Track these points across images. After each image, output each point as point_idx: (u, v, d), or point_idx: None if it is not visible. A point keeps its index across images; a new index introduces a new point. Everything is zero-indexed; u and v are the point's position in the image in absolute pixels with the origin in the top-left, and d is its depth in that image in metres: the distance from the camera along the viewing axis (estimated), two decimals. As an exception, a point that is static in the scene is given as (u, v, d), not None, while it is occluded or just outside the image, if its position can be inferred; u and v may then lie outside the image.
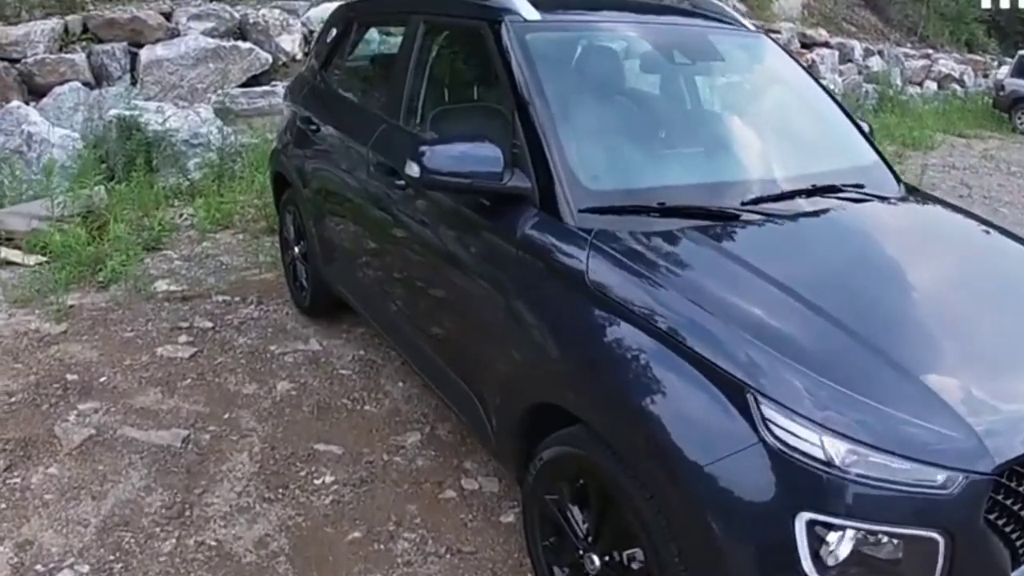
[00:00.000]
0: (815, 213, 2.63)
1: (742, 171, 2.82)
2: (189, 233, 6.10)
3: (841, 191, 2.74)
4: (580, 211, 2.42)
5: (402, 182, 2.96)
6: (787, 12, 16.83)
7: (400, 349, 3.56)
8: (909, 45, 19.49)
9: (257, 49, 8.39)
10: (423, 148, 2.50)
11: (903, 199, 2.98)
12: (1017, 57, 17.41)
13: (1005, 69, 18.49)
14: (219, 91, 8.09)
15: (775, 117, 3.20)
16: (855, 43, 17.01)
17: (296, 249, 4.61)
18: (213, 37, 8.34)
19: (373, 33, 4.66)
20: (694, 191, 2.61)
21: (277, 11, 8.74)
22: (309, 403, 3.77)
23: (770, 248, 2.43)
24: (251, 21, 8.56)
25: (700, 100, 3.30)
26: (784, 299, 2.08)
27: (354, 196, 3.67)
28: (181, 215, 6.50)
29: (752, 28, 3.54)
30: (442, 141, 2.58)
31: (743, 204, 2.54)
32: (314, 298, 4.45)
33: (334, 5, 9.35)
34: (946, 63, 19.27)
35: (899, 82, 17.24)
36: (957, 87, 19.11)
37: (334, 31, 4.48)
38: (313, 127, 4.22)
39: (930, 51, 19.59)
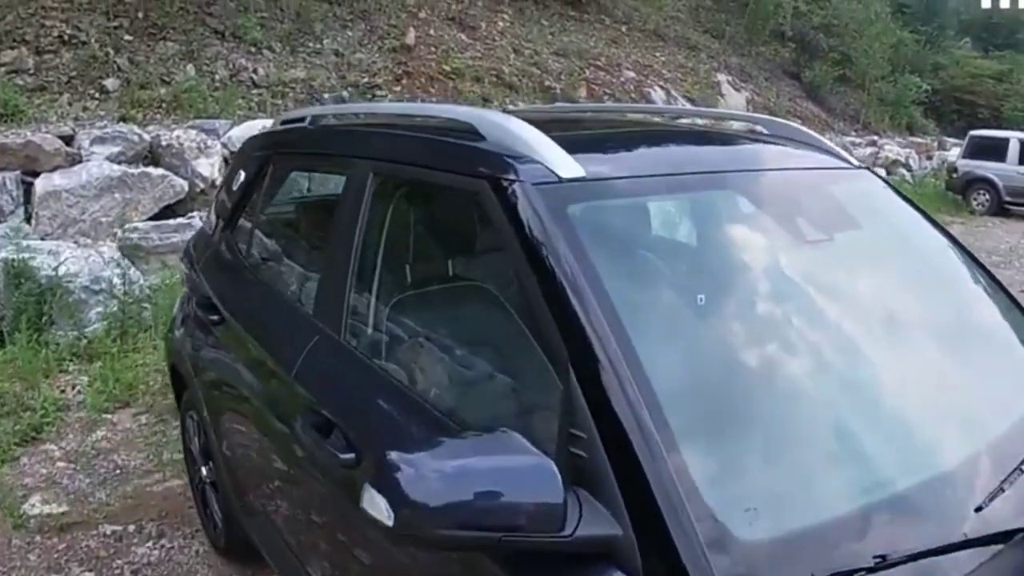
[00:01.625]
0: None
1: (953, 442, 1.70)
2: (80, 414, 4.95)
3: None
4: None
5: (350, 455, 1.89)
6: (733, 109, 16.42)
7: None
8: (854, 133, 19.30)
9: (171, 175, 7.37)
10: (393, 458, 1.31)
11: None
12: (968, 138, 17.45)
13: (956, 151, 18.44)
14: (127, 225, 7.02)
15: (955, 325, 2.15)
16: (803, 133, 16.60)
17: (204, 471, 3.44)
18: (120, 163, 7.32)
19: (300, 178, 3.66)
20: (906, 510, 1.48)
21: (193, 132, 7.74)
22: None
23: None
24: (163, 144, 7.54)
25: (861, 313, 1.98)
26: None
27: (276, 447, 2.48)
28: (74, 386, 5.35)
29: (855, 163, 2.52)
30: (434, 440, 1.43)
31: (978, 511, 1.47)
32: (230, 538, 3.30)
33: (260, 123, 8.49)
34: (891, 148, 19.11)
35: (850, 170, 16.89)
36: (904, 171, 18.94)
37: (242, 175, 3.30)
38: (214, 317, 3.05)
39: (875, 137, 19.42)
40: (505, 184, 1.77)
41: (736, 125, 3.37)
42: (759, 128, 2.74)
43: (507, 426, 1.41)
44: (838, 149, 2.54)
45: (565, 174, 1.79)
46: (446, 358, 2.06)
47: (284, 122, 3.33)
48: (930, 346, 1.99)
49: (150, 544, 3.58)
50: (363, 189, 2.31)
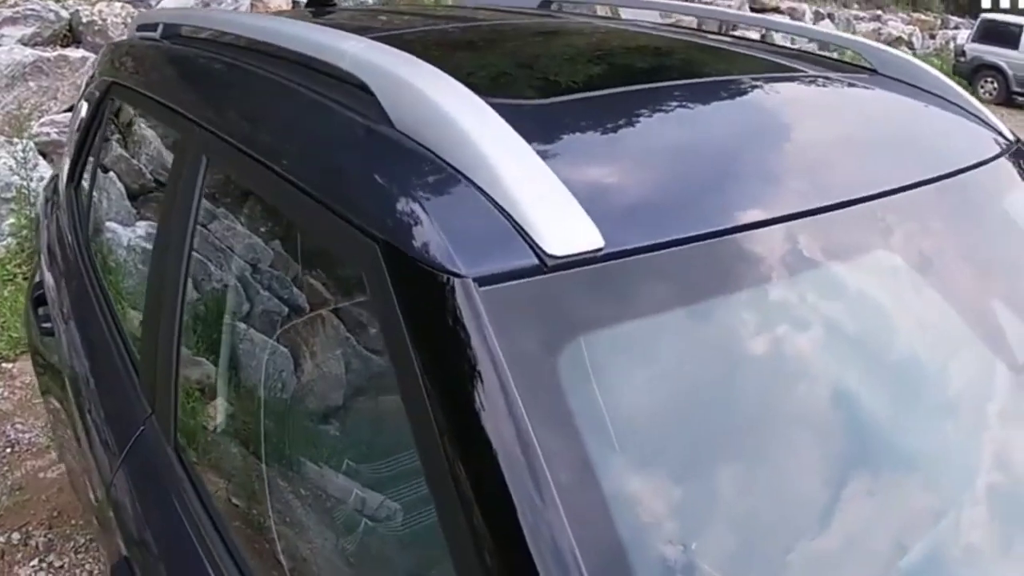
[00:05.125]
0: None
1: None
2: (-27, 362, 4.14)
3: None
4: None
5: None
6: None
7: None
8: (856, 6, 18.08)
9: (93, 57, 6.27)
10: None
11: None
12: (979, 20, 16.27)
13: (964, 33, 17.29)
14: (43, 119, 6.03)
15: None
16: (805, 6, 15.51)
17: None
18: (35, 46, 6.26)
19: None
20: None
21: (119, 4, 6.62)
22: None
23: None
24: (84, 20, 6.45)
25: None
26: None
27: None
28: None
29: (1008, 134, 1.57)
30: None
31: None
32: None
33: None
34: (895, 24, 18.00)
35: (851, 49, 15.93)
36: (907, 50, 17.87)
37: (84, 108, 2.29)
38: (45, 324, 2.13)
39: (879, 12, 18.23)
40: (415, 268, 0.83)
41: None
42: (866, 63, 1.70)
43: None
44: (978, 105, 1.62)
45: (559, 244, 0.82)
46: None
47: (139, 27, 2.11)
48: None
49: (35, 563, 2.83)
50: (193, 180, 1.36)
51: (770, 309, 0.97)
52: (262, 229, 1.41)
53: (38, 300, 2.23)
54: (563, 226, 0.82)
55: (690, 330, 0.91)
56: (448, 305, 0.79)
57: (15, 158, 5.63)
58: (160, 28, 1.89)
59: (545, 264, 0.80)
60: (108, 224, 2.14)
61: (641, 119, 1.15)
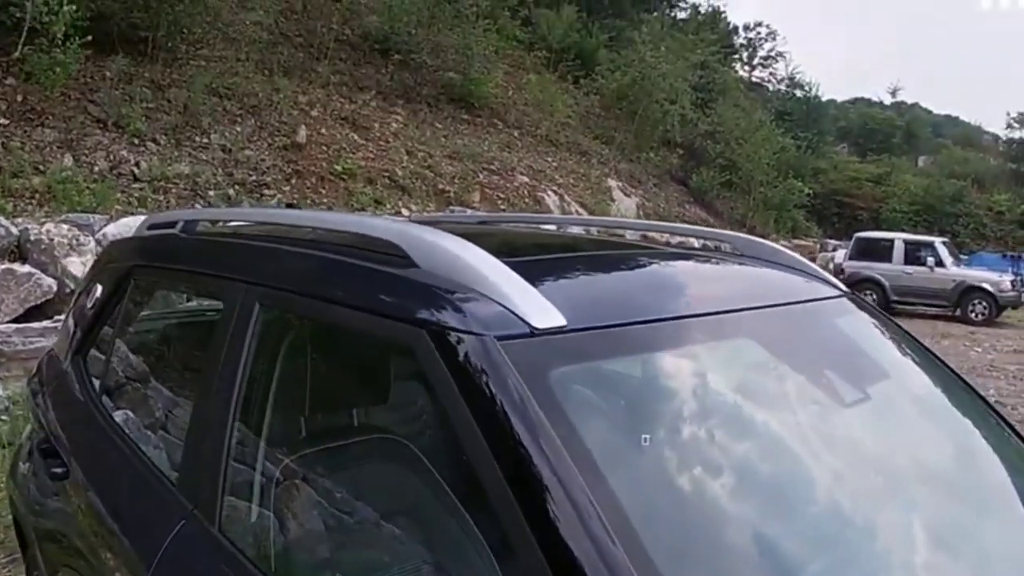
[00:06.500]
0: None
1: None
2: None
3: None
4: None
5: None
6: (624, 214, 16.66)
7: None
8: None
9: (38, 273, 6.73)
10: None
11: None
12: (854, 240, 18.04)
13: (841, 253, 19.03)
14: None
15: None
16: (693, 240, 16.88)
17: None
18: (-17, 258, 6.64)
19: (169, 298, 3.05)
20: None
21: (66, 227, 7.13)
22: None
23: None
24: (32, 238, 6.91)
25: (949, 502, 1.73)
26: None
27: None
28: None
29: (841, 287, 2.21)
30: None
31: None
32: None
33: (138, 220, 7.86)
34: (778, 251, 19.59)
35: (740, 273, 17.30)
36: (790, 273, 19.38)
37: (99, 290, 2.69)
38: (58, 469, 2.39)
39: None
40: (455, 337, 1.33)
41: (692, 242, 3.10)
42: (725, 246, 2.40)
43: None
44: (816, 268, 2.27)
45: (540, 322, 1.36)
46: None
47: (152, 227, 2.67)
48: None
49: None
50: (246, 324, 1.80)
51: (664, 363, 1.61)
52: (312, 345, 1.98)
53: (45, 451, 2.54)
54: (542, 313, 1.39)
55: (617, 370, 1.53)
56: (480, 353, 1.31)
57: (-44, 365, 5.86)
58: (180, 224, 2.45)
59: (534, 332, 1.36)
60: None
61: (586, 268, 1.94)
